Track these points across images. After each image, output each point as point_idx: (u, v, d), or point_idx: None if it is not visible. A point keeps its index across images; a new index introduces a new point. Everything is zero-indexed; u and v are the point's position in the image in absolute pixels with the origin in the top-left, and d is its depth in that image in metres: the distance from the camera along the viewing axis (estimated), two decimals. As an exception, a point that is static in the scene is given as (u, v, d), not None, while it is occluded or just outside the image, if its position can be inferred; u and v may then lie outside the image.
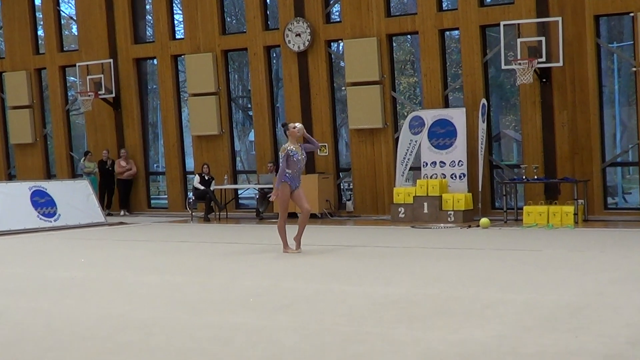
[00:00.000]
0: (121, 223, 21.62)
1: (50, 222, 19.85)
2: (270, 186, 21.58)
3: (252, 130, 24.55)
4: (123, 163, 24.50)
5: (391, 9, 21.47)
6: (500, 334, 7.07)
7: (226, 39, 23.41)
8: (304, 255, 13.56)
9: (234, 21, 25.97)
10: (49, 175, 26.61)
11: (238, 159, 24.43)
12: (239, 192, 23.87)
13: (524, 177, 18.69)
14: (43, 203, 20.01)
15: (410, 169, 20.49)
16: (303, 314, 8.33)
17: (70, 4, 27.23)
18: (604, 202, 18.93)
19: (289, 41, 22.05)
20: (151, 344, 7.19)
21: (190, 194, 23.00)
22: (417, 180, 19.79)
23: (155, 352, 6.89)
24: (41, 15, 26.75)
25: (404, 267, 11.75)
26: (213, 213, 22.10)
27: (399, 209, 19.60)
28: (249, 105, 25.33)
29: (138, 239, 17.59)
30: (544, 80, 18.92)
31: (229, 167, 23.45)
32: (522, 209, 18.05)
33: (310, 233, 17.66)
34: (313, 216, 20.88)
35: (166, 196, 25.39)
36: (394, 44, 21.73)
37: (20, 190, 19.95)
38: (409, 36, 23.18)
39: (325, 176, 21.41)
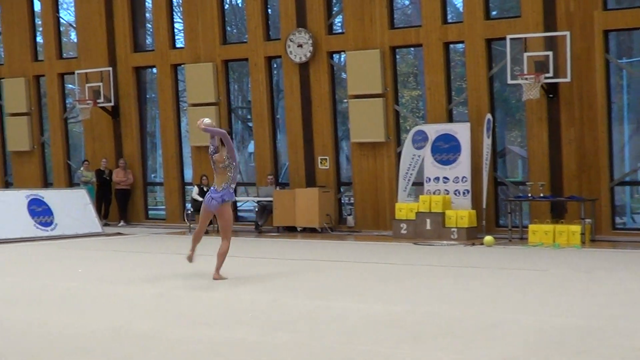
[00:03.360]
0: (118, 234, 21.35)
1: (47, 231, 19.60)
2: (270, 199, 21.35)
3: (252, 141, 24.32)
4: (121, 173, 24.24)
5: (395, 21, 21.23)
6: (506, 356, 6.88)
7: (227, 48, 23.19)
8: (304, 270, 13.31)
9: (235, 31, 25.75)
10: (46, 184, 26.37)
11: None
12: (238, 204, 23.60)
13: (529, 194, 18.40)
14: (40, 212, 19.77)
15: (413, 184, 20.22)
16: (303, 331, 8.14)
17: (69, 11, 27.03)
18: (612, 222, 18.61)
19: (291, 52, 21.82)
20: (148, 358, 7.05)
21: (189, 206, 22.74)
22: (420, 196, 19.51)
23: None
24: (40, 22, 26.55)
25: (406, 285, 11.51)
26: (211, 225, 21.80)
27: (401, 225, 19.32)
28: (249, 117, 25.09)
29: (136, 251, 17.34)
30: (551, 95, 18.67)
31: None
32: (527, 227, 17.72)
33: (311, 248, 17.47)
34: (313, 230, 20.67)
35: (164, 207, 25.13)
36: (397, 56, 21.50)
37: (17, 199, 19.72)
38: (412, 48, 22.95)
39: (325, 190, 21.13)
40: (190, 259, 12.66)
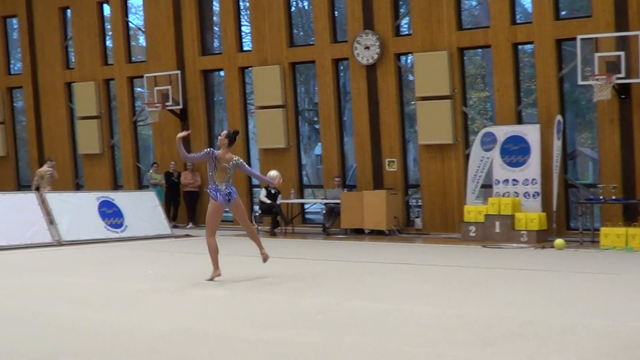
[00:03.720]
0: (187, 235, 21.47)
1: (117, 232, 19.78)
2: (338, 201, 21.31)
3: (318, 144, 24.33)
4: (190, 175, 24.40)
5: (462, 22, 21.06)
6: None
7: (294, 51, 23.21)
8: (371, 273, 13.25)
9: (301, 33, 25.77)
10: (116, 186, 26.64)
11: (303, 172, 24.19)
12: (306, 206, 23.62)
13: (601, 197, 18.11)
14: (110, 214, 19.95)
15: (482, 186, 20.01)
16: (370, 334, 8.06)
17: (138, 15, 27.31)
18: (686, 224, 18.27)
19: (358, 54, 21.77)
20: (217, 359, 7.03)
21: (257, 208, 22.81)
22: (489, 198, 19.32)
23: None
24: (110, 27, 26.86)
25: (475, 288, 11.37)
26: (279, 227, 21.87)
27: (470, 228, 19.13)
28: (316, 119, 25.12)
29: (204, 252, 17.34)
30: (623, 96, 18.34)
31: (295, 181, 23.21)
32: (598, 230, 17.43)
33: (378, 250, 17.40)
34: (380, 233, 20.58)
35: (232, 209, 25.18)
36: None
37: (88, 201, 19.94)
38: (479, 49, 22.74)
39: (393, 192, 21.03)
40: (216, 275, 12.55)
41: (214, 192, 12.53)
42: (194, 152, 13.20)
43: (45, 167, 22.86)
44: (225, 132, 12.70)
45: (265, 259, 13.07)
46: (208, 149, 12.65)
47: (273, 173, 13.46)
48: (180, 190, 24.66)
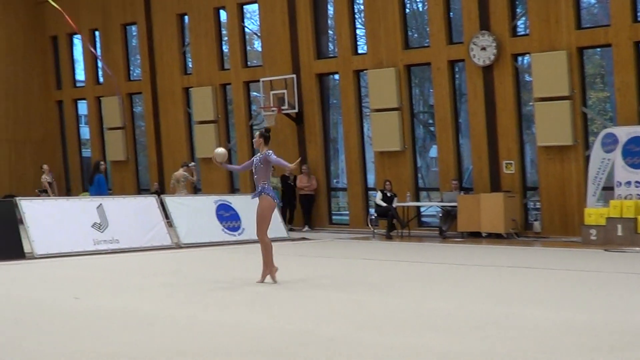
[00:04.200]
0: (303, 238, 21.57)
1: (235, 235, 19.98)
2: (454, 204, 21.11)
3: (434, 146, 24.17)
4: (305, 178, 24.53)
5: (582, 21, 20.64)
6: None
7: (409, 53, 23.12)
8: (489, 276, 13.09)
9: (416, 35, 25.62)
10: (233, 190, 26.94)
11: (419, 175, 24.07)
12: (422, 209, 23.49)
13: None
14: (228, 217, 20.17)
15: (603, 188, 19.54)
16: (492, 338, 7.93)
17: (253, 20, 27.58)
18: None
19: (474, 55, 21.55)
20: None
21: (372, 211, 22.78)
22: (610, 201, 18.85)
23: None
24: (226, 32, 27.20)
25: (599, 293, 11.11)
26: (395, 230, 21.79)
27: (591, 231, 18.71)
28: (431, 121, 24.95)
29: (321, 255, 17.47)
30: None
31: (411, 184, 23.10)
32: None
33: (496, 253, 17.18)
34: (498, 236, 20.32)
35: (347, 212, 25.27)
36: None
37: (206, 204, 20.21)
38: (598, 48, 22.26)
39: (510, 195, 20.72)
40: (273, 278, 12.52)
41: (272, 192, 12.56)
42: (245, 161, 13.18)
43: (180, 171, 23.21)
44: (258, 132, 12.68)
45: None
46: (253, 158, 12.64)
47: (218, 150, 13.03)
48: (296, 194, 24.80)
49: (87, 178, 21.32)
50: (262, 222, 12.49)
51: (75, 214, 17.83)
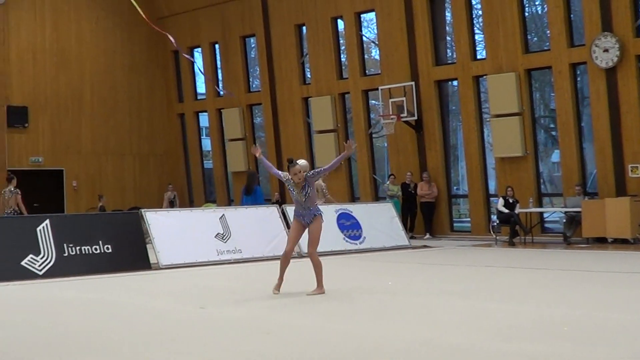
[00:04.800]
0: (425, 246, 21.47)
1: (356, 244, 20.00)
2: (578, 209, 20.70)
3: (555, 151, 23.77)
4: (426, 186, 24.42)
5: None
6: None
7: (529, 57, 22.82)
8: (618, 283, 12.78)
9: (535, 39, 25.25)
10: (353, 198, 26.99)
11: (541, 180, 23.71)
12: (545, 215, 23.11)
13: None
14: (349, 226, 20.20)
15: None
16: (622, 346, 7.72)
17: (371, 29, 27.63)
18: None
19: (596, 57, 21.13)
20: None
21: (494, 217, 22.53)
22: None
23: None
24: (344, 41, 27.31)
25: None
26: (518, 237, 21.50)
27: None
28: (552, 125, 24.56)
29: (443, 263, 17.35)
30: None
31: (534, 190, 22.77)
32: None
33: (623, 260, 16.78)
34: (624, 241, 19.84)
35: (468, 219, 25.06)
36: None
37: (327, 213, 20.18)
38: None
39: (637, 199, 20.20)
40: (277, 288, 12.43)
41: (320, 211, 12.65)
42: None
43: (320, 181, 23.46)
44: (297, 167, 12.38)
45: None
46: (286, 177, 12.49)
47: None
48: (417, 201, 24.71)
49: (244, 189, 21.61)
50: (316, 240, 12.72)
51: (198, 225, 18.11)
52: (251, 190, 21.50)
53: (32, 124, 29.83)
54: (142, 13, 18.89)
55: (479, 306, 10.61)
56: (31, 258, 15.57)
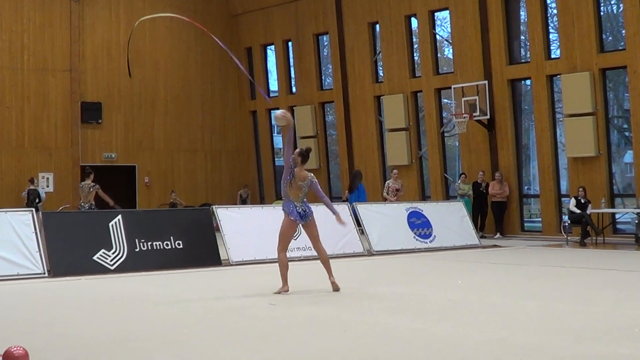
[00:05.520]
0: (495, 246, 21.34)
1: (426, 243, 19.97)
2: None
3: (629, 151, 23.46)
4: (497, 185, 24.28)
5: None
6: None
7: (604, 57, 22.57)
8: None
9: (610, 38, 24.94)
10: (424, 197, 26.94)
11: (613, 181, 23.41)
12: (616, 216, 22.83)
13: None
14: (419, 224, 20.17)
15: None
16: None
17: (444, 27, 27.54)
18: None
19: (673, 57, 20.82)
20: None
21: (565, 218, 22.32)
22: None
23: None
24: (417, 39, 27.26)
25: None
26: (589, 238, 21.27)
27: None
28: (625, 126, 24.23)
29: (513, 263, 17.25)
30: None
31: (606, 190, 22.51)
32: None
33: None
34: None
35: (539, 219, 24.85)
36: None
37: (398, 211, 20.27)
38: None
39: None
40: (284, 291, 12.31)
41: (290, 208, 12.27)
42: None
43: (391, 180, 23.66)
44: (298, 150, 12.34)
45: (334, 288, 12.41)
46: (292, 163, 12.23)
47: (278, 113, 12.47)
48: (488, 201, 24.58)
49: (347, 186, 22.03)
50: (280, 239, 12.48)
51: (269, 221, 18.17)
52: (354, 188, 21.81)
53: (106, 120, 30.33)
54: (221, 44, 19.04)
55: (550, 306, 10.54)
56: (103, 253, 15.81)
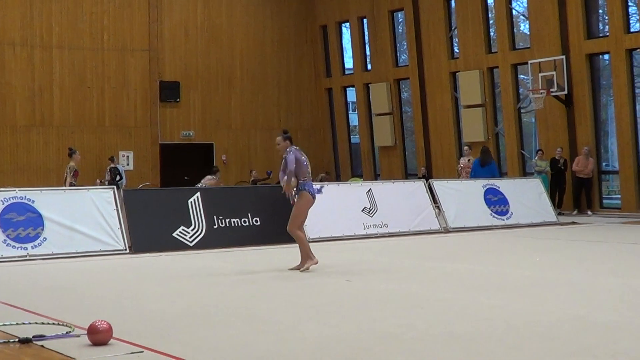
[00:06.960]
0: (573, 223, 21.12)
1: (503, 220, 19.85)
2: None
3: None
4: (583, 161, 23.78)
5: None
6: None
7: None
8: None
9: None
10: (501, 174, 26.71)
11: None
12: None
13: None
14: (496, 201, 20.05)
15: None
16: None
17: (521, 2, 27.23)
18: None
19: None
20: (616, 349, 6.84)
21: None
22: None
23: (619, 357, 6.51)
24: (493, 14, 27.01)
25: None
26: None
27: None
28: None
29: (591, 240, 17.08)
30: None
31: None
32: None
33: None
34: None
35: (618, 196, 24.52)
36: None
37: (474, 188, 20.17)
38: None
39: None
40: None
41: (313, 188, 12.60)
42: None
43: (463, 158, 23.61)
44: (281, 137, 12.70)
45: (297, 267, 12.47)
46: (290, 154, 12.45)
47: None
48: (566, 177, 24.29)
49: (478, 161, 22.12)
50: (296, 217, 12.55)
51: (345, 199, 18.27)
52: (485, 164, 21.89)
53: (184, 99, 30.65)
54: None
55: (630, 284, 10.45)
56: (182, 230, 16.04)
